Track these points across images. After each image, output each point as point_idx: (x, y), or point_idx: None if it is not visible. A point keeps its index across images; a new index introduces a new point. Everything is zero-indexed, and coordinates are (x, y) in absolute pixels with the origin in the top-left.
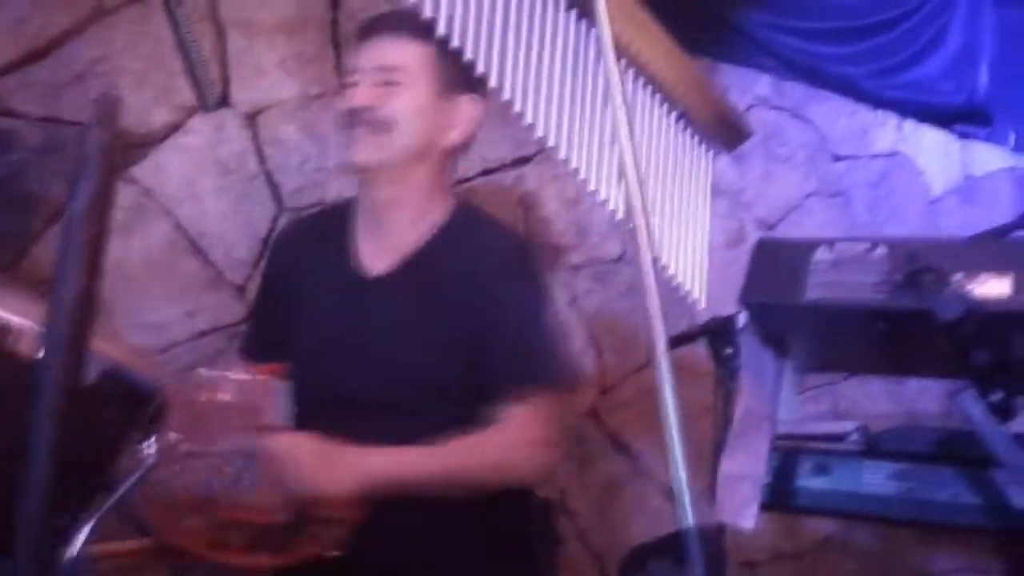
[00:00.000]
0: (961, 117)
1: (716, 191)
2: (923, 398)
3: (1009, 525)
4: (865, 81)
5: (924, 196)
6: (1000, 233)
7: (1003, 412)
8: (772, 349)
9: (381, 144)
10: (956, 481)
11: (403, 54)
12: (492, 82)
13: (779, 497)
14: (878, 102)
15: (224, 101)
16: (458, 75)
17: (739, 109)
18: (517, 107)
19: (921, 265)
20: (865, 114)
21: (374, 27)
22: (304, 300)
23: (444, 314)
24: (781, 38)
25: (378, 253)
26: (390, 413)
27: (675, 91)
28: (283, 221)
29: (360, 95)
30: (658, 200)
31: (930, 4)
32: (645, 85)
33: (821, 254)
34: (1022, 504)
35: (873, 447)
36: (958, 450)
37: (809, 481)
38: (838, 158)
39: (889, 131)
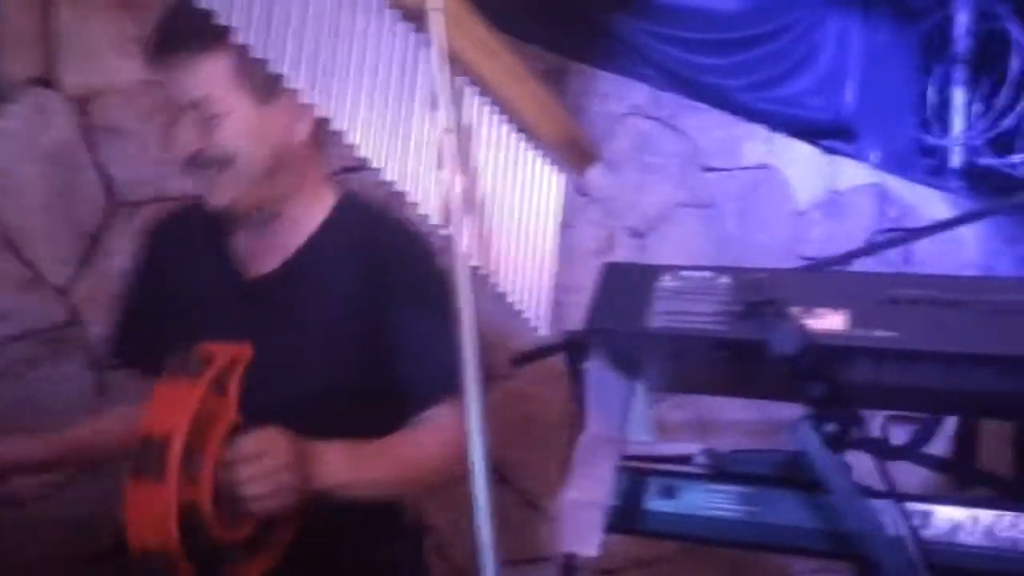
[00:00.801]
0: (828, 133)
1: (589, 198)
2: (787, 406)
3: (842, 550)
4: (739, 94)
5: (791, 209)
6: (843, 260)
7: (837, 443)
8: (620, 371)
9: (229, 182)
10: (798, 505)
11: (207, 80)
12: (308, 99)
13: (625, 521)
14: (750, 115)
15: (47, 83)
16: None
17: (590, 133)
18: (337, 125)
19: (761, 297)
20: (737, 126)
21: (166, 46)
22: (183, 302)
23: (333, 314)
24: (660, 47)
25: (259, 253)
26: (283, 422)
27: (522, 112)
28: (117, 217)
29: (184, 141)
30: (499, 222)
31: (803, 23)
32: (490, 105)
33: (666, 281)
34: (852, 530)
35: (719, 469)
36: (802, 473)
37: (655, 504)
38: (709, 169)
39: (760, 144)
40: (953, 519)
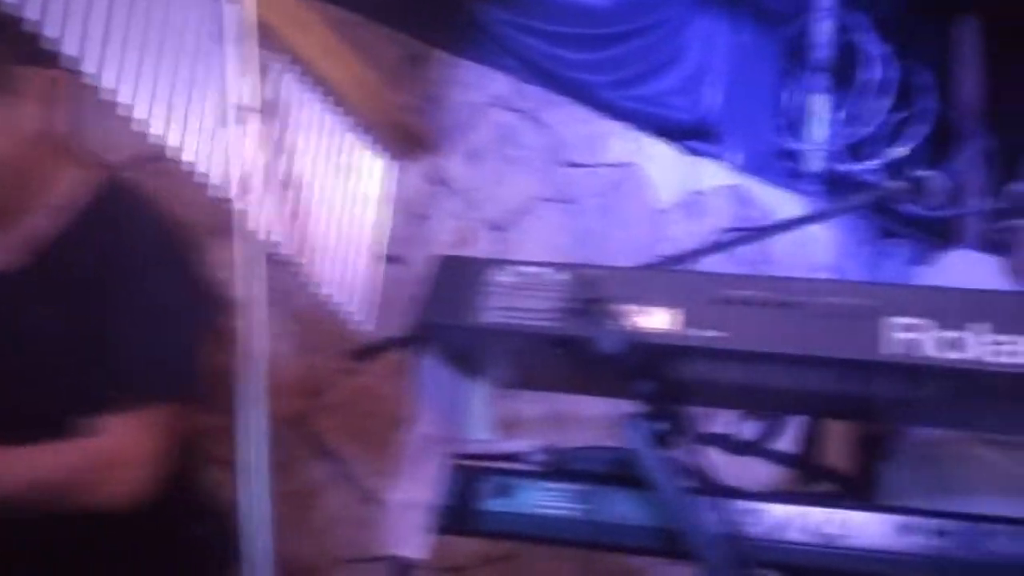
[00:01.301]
0: (691, 134)
1: (448, 190)
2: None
3: (675, 548)
4: (603, 90)
5: (652, 207)
6: (692, 257)
7: (666, 442)
8: (455, 368)
9: None
10: (633, 503)
11: None
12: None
13: (459, 521)
14: (614, 112)
15: None
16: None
17: (422, 120)
18: (124, 100)
19: (595, 294)
20: (601, 123)
21: None
22: None
23: (78, 311)
24: (524, 39)
25: (5, 245)
26: (30, 426)
27: (342, 93)
28: None
29: None
30: (313, 206)
31: (670, 22)
32: (304, 83)
33: (501, 276)
34: (679, 527)
35: (555, 467)
36: (637, 470)
37: (489, 504)
38: (573, 164)
39: (624, 141)
40: (783, 516)
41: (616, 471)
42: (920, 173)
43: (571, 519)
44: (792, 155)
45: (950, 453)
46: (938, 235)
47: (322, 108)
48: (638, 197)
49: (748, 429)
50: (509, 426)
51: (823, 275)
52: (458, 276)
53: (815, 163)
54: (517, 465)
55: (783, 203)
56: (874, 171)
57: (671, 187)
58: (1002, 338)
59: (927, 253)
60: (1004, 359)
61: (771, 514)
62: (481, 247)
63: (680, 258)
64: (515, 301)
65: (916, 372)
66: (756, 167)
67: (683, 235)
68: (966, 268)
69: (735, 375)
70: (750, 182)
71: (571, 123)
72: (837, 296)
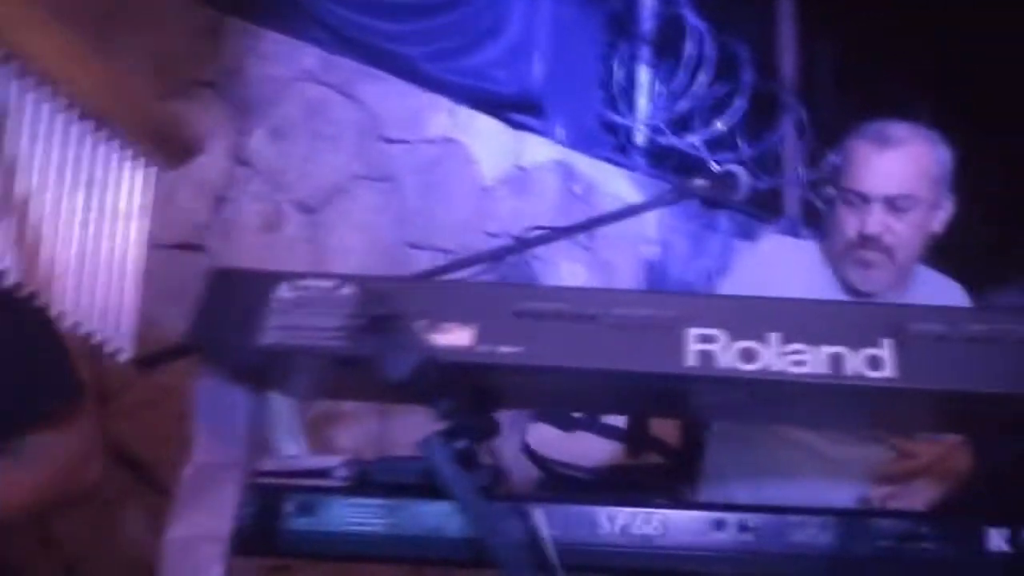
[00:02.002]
0: (515, 107)
1: (252, 170)
2: None
3: (484, 558)
4: (421, 63)
5: (476, 184)
6: (499, 255)
7: (467, 459)
8: (243, 384)
9: None
10: (439, 514)
11: None
12: None
13: (261, 543)
14: (433, 85)
15: None
16: None
17: (193, 125)
18: None
19: (384, 310)
20: (419, 97)
21: None
22: None
23: None
24: (333, 8)
25: None
26: None
27: (93, 103)
28: None
29: None
30: (52, 228)
31: None
32: (39, 87)
33: (283, 291)
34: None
35: (360, 481)
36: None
37: (292, 523)
38: (389, 141)
39: (443, 116)
40: (591, 518)
41: (423, 481)
42: (724, 168)
43: (376, 535)
44: (617, 129)
45: (771, 434)
46: (761, 207)
47: (61, 116)
48: (461, 174)
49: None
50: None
51: (650, 249)
52: (235, 291)
53: (640, 137)
54: (321, 481)
55: (608, 177)
56: (697, 145)
57: (495, 163)
58: (793, 347)
59: (751, 225)
60: (794, 368)
61: (579, 517)
62: (290, 231)
63: (481, 257)
64: (297, 319)
65: (714, 383)
66: (581, 141)
67: (509, 213)
68: (782, 256)
69: (537, 386)
70: (575, 156)
71: (387, 97)
72: (635, 307)
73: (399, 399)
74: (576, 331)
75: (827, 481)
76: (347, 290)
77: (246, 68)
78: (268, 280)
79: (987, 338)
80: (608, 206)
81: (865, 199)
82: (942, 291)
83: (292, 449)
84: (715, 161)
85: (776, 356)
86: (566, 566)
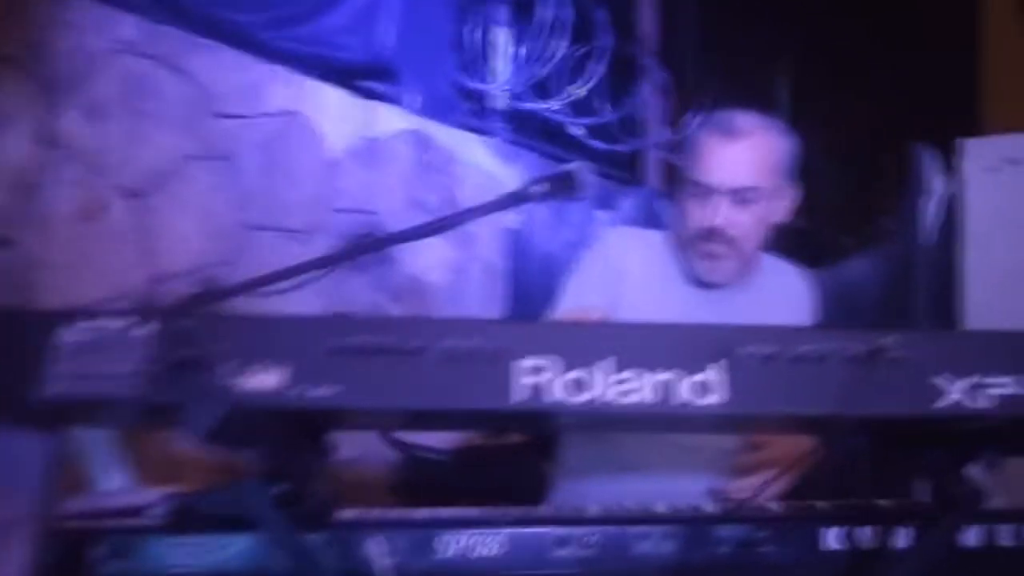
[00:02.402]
0: (363, 75)
1: (66, 153)
2: None
3: None
4: (258, 31)
5: (322, 158)
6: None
7: (291, 499)
8: (32, 431)
9: None
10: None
11: None
12: None
13: None
14: (272, 55)
15: None
16: None
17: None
18: None
19: (186, 353)
20: (256, 68)
21: None
22: None
23: None
24: None
25: None
26: None
27: None
28: None
29: None
30: None
31: None
32: None
33: (70, 334)
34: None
35: (179, 517)
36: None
37: (105, 568)
38: (224, 116)
39: (284, 88)
40: (431, 543)
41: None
42: (564, 168)
43: (198, 574)
44: (474, 95)
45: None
46: (621, 169)
47: None
48: (304, 149)
49: None
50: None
51: (511, 220)
52: (13, 334)
53: (498, 102)
54: (137, 521)
55: (466, 146)
56: (558, 110)
57: (342, 135)
58: (623, 375)
59: (611, 194)
60: (623, 400)
61: (425, 541)
62: (114, 219)
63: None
64: (87, 365)
65: (543, 417)
66: (435, 108)
67: (359, 187)
68: (627, 249)
69: (361, 421)
70: (430, 125)
71: (220, 70)
72: (461, 338)
73: (210, 446)
74: (397, 367)
75: (683, 470)
76: (143, 331)
77: (53, 40)
78: (52, 320)
79: (817, 357)
80: (466, 176)
81: (711, 192)
82: (786, 278)
83: (113, 482)
84: (576, 125)
85: (606, 386)
86: None
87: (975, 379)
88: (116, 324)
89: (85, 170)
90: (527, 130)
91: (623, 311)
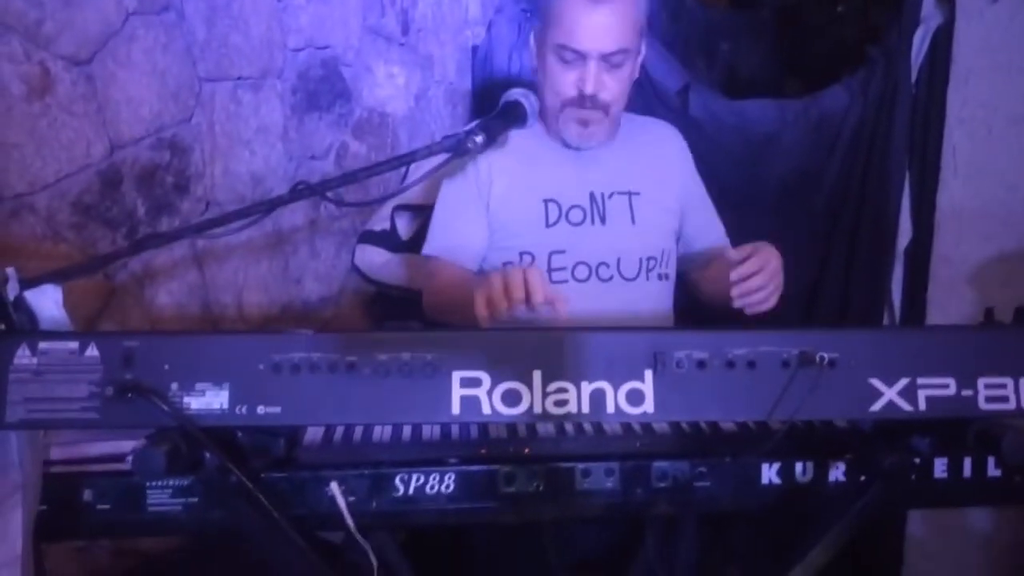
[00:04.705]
0: None
1: (3, 27)
2: None
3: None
4: None
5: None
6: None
7: (246, 487)
8: None
9: None
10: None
11: None
12: None
13: (61, 531)
14: None
15: None
16: None
17: None
18: None
19: (130, 376)
20: None
21: None
22: None
23: None
24: None
25: None
26: None
27: None
28: None
29: None
30: None
31: None
32: None
33: (22, 357)
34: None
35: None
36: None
37: (92, 510)
38: None
39: None
40: (387, 482)
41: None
42: (509, 98)
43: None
44: None
45: None
46: None
47: None
48: None
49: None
50: None
51: (474, 32)
52: None
53: None
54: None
55: None
56: None
57: None
58: (555, 385)
59: None
60: (557, 410)
61: (383, 481)
62: (63, 92)
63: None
64: (41, 390)
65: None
66: None
67: (311, 22)
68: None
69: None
70: None
71: None
72: (400, 351)
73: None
74: (335, 383)
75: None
76: (91, 353)
77: None
78: (3, 345)
79: (748, 362)
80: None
81: (582, 57)
82: (651, 134)
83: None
84: None
85: (539, 397)
86: (363, 529)
87: (907, 380)
88: (67, 347)
89: (25, 43)
90: None
91: (496, 196)
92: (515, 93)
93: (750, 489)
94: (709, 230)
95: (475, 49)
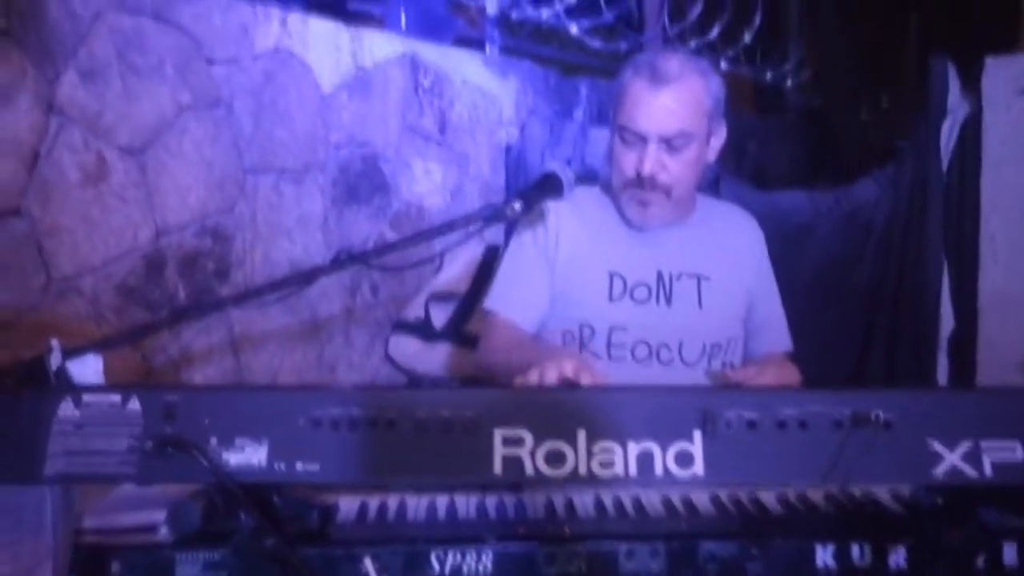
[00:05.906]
0: None
1: (65, 118)
2: None
3: None
4: None
5: (315, 94)
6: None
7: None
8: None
9: None
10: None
11: None
12: None
13: None
14: None
15: None
16: None
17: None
18: None
19: (171, 430)
20: (242, 9)
21: None
22: None
23: None
24: None
25: None
26: None
27: None
28: None
29: None
30: None
31: None
32: None
33: (65, 410)
34: None
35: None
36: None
37: None
38: (214, 63)
39: (271, 26)
40: (422, 560)
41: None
42: (546, 169)
43: None
44: (462, 7)
45: None
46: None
47: None
48: (297, 87)
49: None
50: None
51: (508, 131)
52: (11, 412)
53: (490, 8)
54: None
55: (459, 64)
56: (557, 14)
57: (333, 68)
58: (601, 445)
59: (607, 106)
60: (603, 471)
61: (417, 559)
62: (116, 179)
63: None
64: (84, 442)
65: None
66: (426, 27)
67: (353, 119)
68: (566, 207)
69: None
70: (420, 46)
71: (206, 16)
72: (440, 409)
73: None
74: (375, 439)
75: None
76: (132, 406)
77: (42, 8)
78: (46, 399)
79: (800, 422)
80: (460, 94)
81: (641, 139)
82: (727, 219)
83: None
84: (577, 25)
85: (582, 457)
86: None
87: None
88: (109, 400)
89: (85, 133)
90: (523, 34)
91: (562, 262)
92: (552, 165)
93: (804, 572)
94: (770, 329)
95: (508, 148)
